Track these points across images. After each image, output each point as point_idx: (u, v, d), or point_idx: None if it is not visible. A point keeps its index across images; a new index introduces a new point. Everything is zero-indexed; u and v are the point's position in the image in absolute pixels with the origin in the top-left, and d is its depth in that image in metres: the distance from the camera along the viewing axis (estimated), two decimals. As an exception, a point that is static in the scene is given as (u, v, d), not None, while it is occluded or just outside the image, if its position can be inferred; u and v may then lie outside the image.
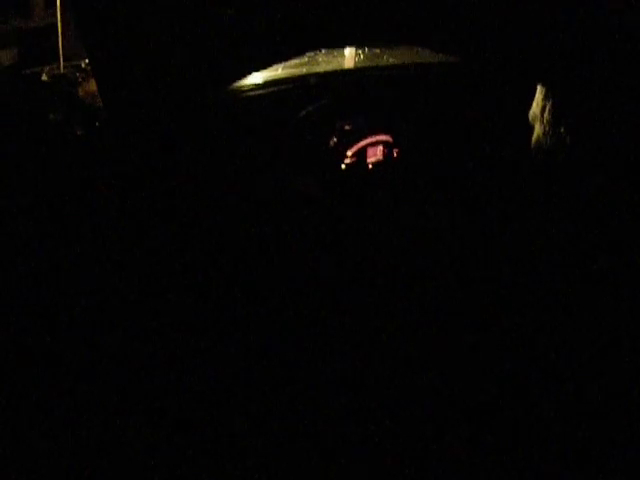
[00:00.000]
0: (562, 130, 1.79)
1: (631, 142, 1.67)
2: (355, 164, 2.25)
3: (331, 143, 2.26)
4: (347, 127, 2.26)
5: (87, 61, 2.22)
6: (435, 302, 1.94)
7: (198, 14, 1.79)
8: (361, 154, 2.26)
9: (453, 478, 1.56)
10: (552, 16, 1.75)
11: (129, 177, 1.88)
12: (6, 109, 1.92)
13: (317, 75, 2.33)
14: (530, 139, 1.93)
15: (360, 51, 2.34)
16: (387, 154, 2.28)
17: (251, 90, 2.28)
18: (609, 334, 1.72)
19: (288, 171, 2.23)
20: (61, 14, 2.28)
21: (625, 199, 1.70)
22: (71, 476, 1.55)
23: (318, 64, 2.35)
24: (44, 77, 2.22)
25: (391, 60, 2.37)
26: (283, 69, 2.29)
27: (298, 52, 2.01)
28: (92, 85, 2.15)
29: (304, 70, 2.31)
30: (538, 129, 1.87)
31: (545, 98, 1.82)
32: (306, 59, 2.31)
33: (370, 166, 2.26)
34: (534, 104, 1.88)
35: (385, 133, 2.27)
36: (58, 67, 2.25)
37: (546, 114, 1.83)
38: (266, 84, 2.29)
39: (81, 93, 2.18)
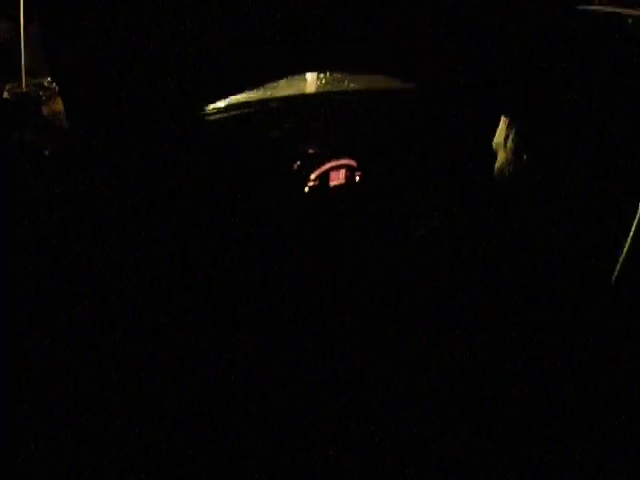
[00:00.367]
0: (525, 158, 1.93)
1: (593, 169, 1.83)
2: (318, 187, 2.32)
3: (295, 167, 2.32)
4: (310, 151, 2.33)
5: (50, 79, 2.16)
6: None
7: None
8: (324, 178, 2.33)
9: (453, 478, 1.63)
10: (515, 47, 1.89)
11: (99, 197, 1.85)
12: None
13: (279, 99, 2.38)
14: (492, 166, 2.08)
15: (322, 75, 2.41)
16: (349, 178, 2.36)
17: (213, 114, 2.29)
18: (609, 334, 1.84)
19: (253, 194, 2.25)
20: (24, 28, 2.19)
21: (588, 224, 1.85)
22: (71, 476, 1.51)
23: (280, 88, 2.39)
24: (5, 95, 2.13)
25: (352, 85, 2.45)
26: (245, 92, 2.32)
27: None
28: (58, 104, 2.09)
29: (268, 93, 2.35)
30: (501, 156, 2.00)
31: (509, 127, 1.96)
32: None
33: (333, 190, 2.34)
34: (497, 132, 2.01)
35: (347, 157, 2.35)
36: (20, 85, 2.16)
37: (509, 142, 1.97)
38: (228, 107, 2.32)
39: (46, 112, 2.11)
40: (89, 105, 1.89)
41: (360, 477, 1.65)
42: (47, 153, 1.98)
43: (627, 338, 1.86)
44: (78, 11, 1.77)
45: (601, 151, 1.85)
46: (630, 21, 2.02)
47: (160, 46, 1.86)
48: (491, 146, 2.05)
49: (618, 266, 1.90)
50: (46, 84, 2.20)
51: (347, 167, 2.34)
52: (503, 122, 1.97)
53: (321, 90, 2.43)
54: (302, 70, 2.34)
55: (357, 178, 2.35)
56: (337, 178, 2.34)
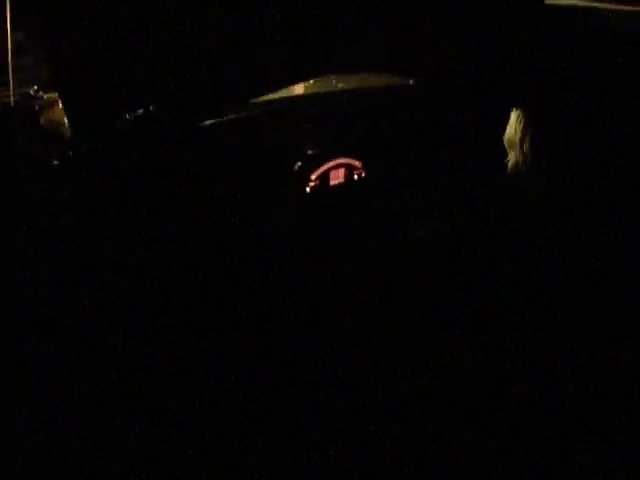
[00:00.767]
0: (539, 154, 1.91)
1: (607, 166, 1.82)
2: (319, 187, 2.32)
3: (295, 167, 2.32)
4: (310, 151, 2.33)
5: (35, 88, 2.14)
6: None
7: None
8: (324, 177, 2.33)
9: (453, 478, 1.63)
10: (524, 41, 1.88)
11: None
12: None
13: (280, 100, 2.39)
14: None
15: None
16: (349, 176, 2.37)
17: (213, 115, 2.29)
18: (609, 334, 1.84)
19: (254, 196, 2.26)
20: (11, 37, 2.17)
21: (601, 222, 1.85)
22: (71, 476, 1.52)
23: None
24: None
25: (353, 84, 2.45)
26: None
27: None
28: (54, 113, 2.07)
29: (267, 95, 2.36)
30: (514, 154, 1.98)
31: (521, 122, 1.94)
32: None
33: (333, 189, 2.34)
34: (509, 129, 1.99)
35: (347, 156, 2.35)
36: (8, 95, 2.13)
37: (523, 138, 1.94)
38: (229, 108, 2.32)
39: (43, 122, 2.10)
40: (89, 106, 1.88)
41: (360, 477, 1.65)
42: (55, 162, 1.97)
43: (627, 338, 1.86)
44: (78, 11, 1.77)
45: (600, 151, 1.85)
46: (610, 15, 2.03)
47: (160, 48, 1.86)
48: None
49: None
50: (32, 92, 2.18)
51: (347, 167, 2.35)
52: (518, 121, 1.95)
53: (321, 90, 2.43)
54: (304, 75, 2.34)
55: (357, 178, 2.36)
56: (337, 178, 2.35)
